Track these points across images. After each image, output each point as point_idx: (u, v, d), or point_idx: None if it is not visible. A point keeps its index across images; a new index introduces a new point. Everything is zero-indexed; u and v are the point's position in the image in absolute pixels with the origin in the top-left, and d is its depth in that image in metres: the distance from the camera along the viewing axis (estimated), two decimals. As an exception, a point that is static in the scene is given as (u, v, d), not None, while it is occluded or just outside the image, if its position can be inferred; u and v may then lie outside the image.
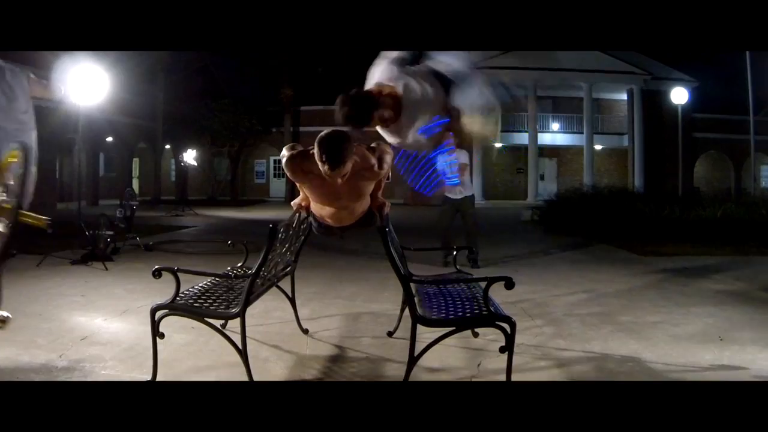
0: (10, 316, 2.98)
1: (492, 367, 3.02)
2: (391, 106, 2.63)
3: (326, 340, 3.59)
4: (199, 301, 2.81)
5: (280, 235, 2.95)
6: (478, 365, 3.10)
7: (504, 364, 2.60)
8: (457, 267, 3.76)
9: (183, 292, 2.80)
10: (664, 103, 23.87)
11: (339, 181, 2.62)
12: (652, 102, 25.60)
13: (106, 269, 5.98)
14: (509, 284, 2.60)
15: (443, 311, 2.76)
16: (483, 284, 2.70)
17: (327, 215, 2.98)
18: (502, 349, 2.57)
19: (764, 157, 26.79)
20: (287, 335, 3.64)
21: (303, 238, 3.53)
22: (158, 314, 2.67)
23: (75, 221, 6.82)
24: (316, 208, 3.01)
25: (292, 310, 3.77)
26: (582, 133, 26.44)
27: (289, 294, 3.76)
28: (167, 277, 2.69)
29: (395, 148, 2.86)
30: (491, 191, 26.52)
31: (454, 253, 3.93)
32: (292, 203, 3.18)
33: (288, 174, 2.85)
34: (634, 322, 4.04)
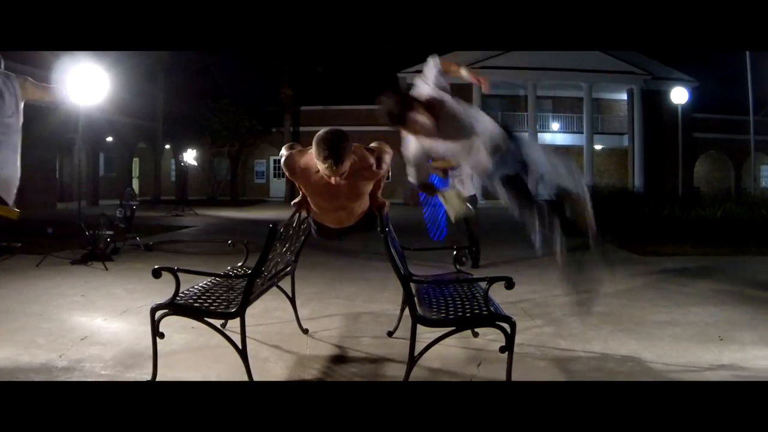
0: None
1: (492, 367, 3.02)
2: (428, 115, 2.76)
3: (326, 340, 3.59)
4: (199, 300, 2.81)
5: (280, 235, 2.95)
6: (478, 365, 3.10)
7: (504, 364, 2.60)
8: (458, 267, 3.76)
9: (183, 292, 2.80)
10: (664, 103, 23.87)
11: (338, 180, 2.62)
12: (652, 102, 25.59)
13: (106, 269, 5.98)
14: (509, 284, 2.60)
15: (443, 311, 2.76)
16: (483, 284, 2.70)
17: (326, 216, 2.98)
18: (502, 349, 2.57)
19: (764, 157, 26.79)
20: (287, 335, 3.64)
21: (303, 238, 3.53)
22: (158, 314, 2.67)
23: (75, 221, 6.82)
24: (315, 208, 3.01)
25: (292, 310, 3.77)
26: (582, 133, 26.43)
27: (289, 294, 3.76)
28: (167, 277, 2.69)
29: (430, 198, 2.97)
30: (491, 191, 26.48)
31: (465, 251, 3.94)
32: (292, 203, 3.18)
33: (287, 173, 2.85)
34: (634, 322, 4.04)
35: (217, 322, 2.88)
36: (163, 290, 2.93)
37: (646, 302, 4.73)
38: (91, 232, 6.57)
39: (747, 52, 17.89)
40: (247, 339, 2.72)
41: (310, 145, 2.63)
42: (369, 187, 2.92)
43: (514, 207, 3.02)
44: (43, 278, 5.45)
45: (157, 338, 2.68)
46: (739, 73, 19.14)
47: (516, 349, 2.60)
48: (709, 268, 6.38)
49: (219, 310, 2.73)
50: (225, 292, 3.00)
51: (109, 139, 21.76)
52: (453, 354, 3.24)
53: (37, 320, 3.88)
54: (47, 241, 7.34)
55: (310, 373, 3.01)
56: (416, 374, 2.72)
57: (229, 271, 3.45)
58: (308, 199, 2.98)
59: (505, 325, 2.56)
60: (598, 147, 27.03)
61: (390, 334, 3.62)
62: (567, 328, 3.87)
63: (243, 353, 2.67)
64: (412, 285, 2.81)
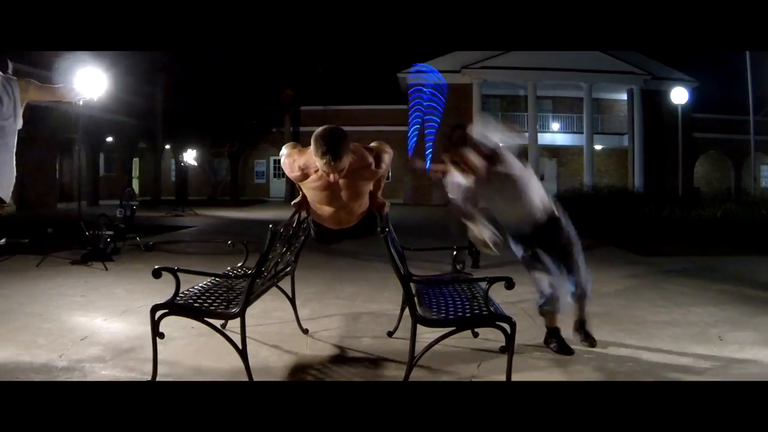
0: None
1: (492, 367, 3.02)
2: (483, 160, 3.11)
3: (326, 340, 3.59)
4: (199, 301, 2.81)
5: (280, 236, 2.95)
6: (478, 365, 3.09)
7: (504, 364, 2.60)
8: (458, 267, 3.76)
9: (183, 292, 2.80)
10: (664, 103, 23.86)
11: (336, 177, 2.62)
12: (652, 102, 25.57)
13: (106, 269, 5.98)
14: (509, 284, 2.60)
15: (443, 311, 2.76)
16: (483, 284, 2.71)
17: (326, 216, 2.98)
18: (502, 349, 2.57)
19: (764, 157, 26.78)
20: (287, 335, 3.64)
21: (303, 238, 3.53)
22: (158, 314, 2.66)
23: (75, 221, 6.82)
24: (315, 209, 3.00)
25: (292, 310, 3.77)
26: (582, 133, 26.41)
27: (289, 294, 3.76)
28: (167, 277, 2.69)
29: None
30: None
31: (465, 251, 3.98)
32: (292, 203, 3.18)
33: (286, 172, 2.86)
34: (634, 322, 4.04)
35: (217, 323, 2.88)
36: (163, 290, 2.93)
37: (646, 302, 4.73)
38: (91, 232, 6.56)
39: (747, 52, 17.89)
40: (247, 339, 2.72)
41: (310, 144, 2.64)
42: (368, 186, 2.92)
43: (526, 261, 3.38)
44: (44, 278, 5.45)
45: (157, 338, 2.68)
46: (739, 73, 19.15)
47: (516, 349, 2.60)
48: (709, 268, 6.38)
49: (219, 311, 2.73)
50: (225, 292, 3.00)
51: (109, 139, 21.76)
52: (453, 354, 3.24)
53: (38, 320, 3.88)
54: (47, 241, 7.33)
55: (310, 373, 3.01)
56: (416, 374, 2.72)
57: (229, 271, 3.45)
58: (308, 199, 2.98)
59: (506, 325, 2.56)
60: (598, 147, 27.02)
61: (390, 334, 3.62)
62: (567, 329, 3.87)
63: (243, 353, 2.67)
64: (412, 285, 2.81)
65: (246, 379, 2.67)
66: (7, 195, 3.14)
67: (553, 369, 3.09)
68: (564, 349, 3.29)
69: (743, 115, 20.82)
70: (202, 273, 3.08)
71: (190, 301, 2.79)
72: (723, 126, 26.47)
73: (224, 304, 2.80)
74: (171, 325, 2.88)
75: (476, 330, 3.42)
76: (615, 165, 28.01)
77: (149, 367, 2.73)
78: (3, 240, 3.81)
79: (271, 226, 2.79)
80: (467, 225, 3.27)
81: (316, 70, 24.67)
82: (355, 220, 3.01)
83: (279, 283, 3.52)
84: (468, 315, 2.69)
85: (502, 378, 2.61)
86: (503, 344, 2.56)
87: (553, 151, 28.15)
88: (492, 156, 3.17)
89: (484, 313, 2.63)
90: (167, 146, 25.03)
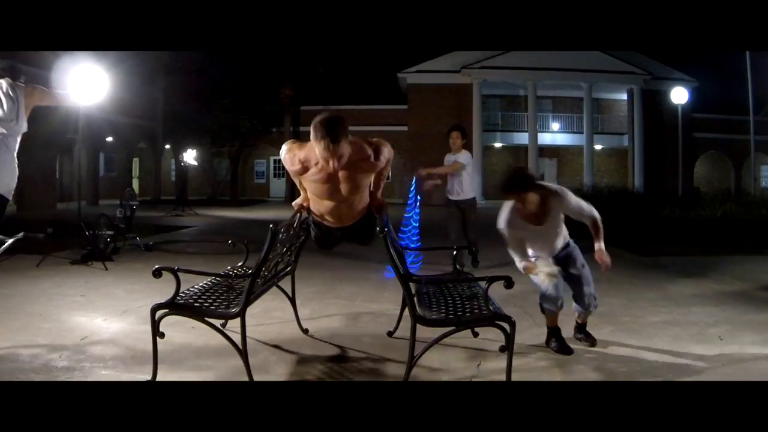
0: None
1: (492, 367, 3.02)
2: (540, 200, 3.19)
3: (326, 340, 3.59)
4: (199, 300, 2.81)
5: (280, 236, 2.95)
6: (478, 365, 3.10)
7: (504, 364, 2.60)
8: (457, 267, 3.77)
9: (183, 292, 2.81)
10: (664, 103, 23.84)
11: (336, 166, 2.63)
12: (652, 102, 25.57)
13: (106, 269, 5.98)
14: (509, 284, 2.60)
15: (443, 311, 2.76)
16: (483, 284, 2.71)
17: (326, 212, 2.99)
18: (502, 349, 2.57)
19: (764, 157, 26.78)
20: (287, 335, 3.64)
21: (303, 238, 3.53)
22: (158, 314, 2.67)
23: (75, 221, 6.82)
24: (315, 205, 3.01)
25: (292, 310, 3.77)
26: (582, 133, 26.41)
27: (289, 294, 3.76)
28: (167, 277, 2.69)
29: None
30: (491, 191, 26.51)
31: (465, 251, 3.99)
32: (293, 203, 3.19)
33: (287, 166, 2.87)
34: (634, 322, 4.04)
35: (217, 322, 2.88)
36: (163, 290, 2.93)
37: (646, 302, 4.73)
38: (91, 232, 6.56)
39: (747, 52, 17.89)
40: (247, 339, 2.72)
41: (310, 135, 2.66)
42: (368, 179, 2.94)
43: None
44: (44, 278, 5.45)
45: (157, 338, 2.68)
46: (739, 73, 19.16)
47: (516, 349, 2.60)
48: (709, 268, 6.38)
49: (219, 310, 2.73)
50: (225, 292, 3.00)
51: (109, 139, 21.74)
52: (453, 354, 3.24)
53: (38, 320, 3.88)
54: (47, 241, 7.32)
55: (310, 373, 3.01)
56: (416, 374, 2.72)
57: (229, 271, 3.45)
58: (309, 193, 2.99)
59: (505, 325, 2.56)
60: (598, 147, 27.03)
61: (390, 334, 3.62)
62: (567, 328, 3.87)
63: (243, 353, 2.67)
64: (412, 285, 2.82)
65: (246, 379, 2.67)
66: (9, 195, 3.20)
67: (553, 369, 3.09)
68: (564, 349, 3.29)
69: (743, 115, 20.84)
70: (203, 273, 3.08)
71: (191, 300, 2.79)
72: (723, 126, 26.48)
73: (224, 303, 2.80)
74: (171, 325, 2.88)
75: (476, 330, 3.42)
76: (615, 165, 28.01)
77: (149, 367, 2.73)
78: (21, 234, 3.91)
79: (271, 226, 2.79)
80: (528, 267, 3.32)
81: (316, 70, 24.67)
82: (356, 215, 3.01)
83: (279, 283, 3.52)
84: (468, 314, 2.69)
85: (502, 378, 2.61)
86: (503, 344, 2.55)
87: (553, 151, 28.15)
88: (558, 197, 3.24)
89: (484, 312, 2.63)
90: (167, 146, 25.02)
